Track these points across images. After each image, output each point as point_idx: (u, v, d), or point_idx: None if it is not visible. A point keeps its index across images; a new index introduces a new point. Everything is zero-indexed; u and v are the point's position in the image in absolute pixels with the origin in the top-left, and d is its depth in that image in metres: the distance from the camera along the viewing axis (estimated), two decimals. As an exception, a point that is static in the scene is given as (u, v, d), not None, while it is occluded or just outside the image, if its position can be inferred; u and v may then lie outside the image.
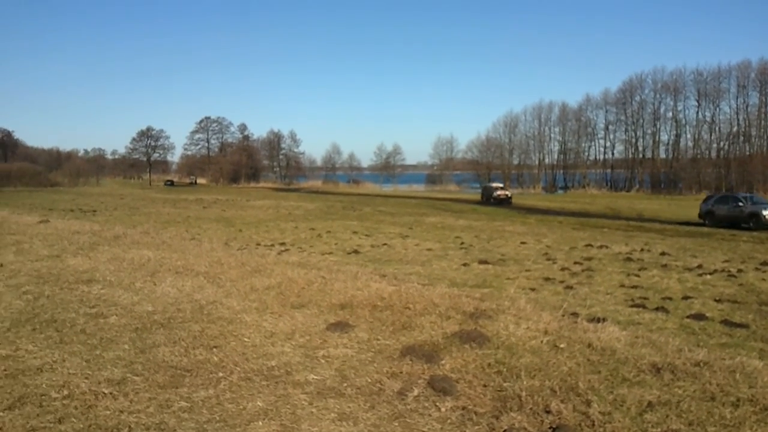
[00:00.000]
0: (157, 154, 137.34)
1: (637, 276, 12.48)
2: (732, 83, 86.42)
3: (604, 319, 6.47)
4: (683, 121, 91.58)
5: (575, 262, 14.58)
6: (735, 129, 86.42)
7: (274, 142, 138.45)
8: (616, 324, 6.00)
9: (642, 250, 17.49)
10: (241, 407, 3.65)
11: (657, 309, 9.03)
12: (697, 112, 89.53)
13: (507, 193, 60.25)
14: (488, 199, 59.11)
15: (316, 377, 4.15)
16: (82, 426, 3.37)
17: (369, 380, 4.10)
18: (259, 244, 19.39)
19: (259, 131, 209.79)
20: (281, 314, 5.75)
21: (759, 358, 5.05)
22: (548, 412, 3.55)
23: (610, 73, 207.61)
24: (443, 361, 4.38)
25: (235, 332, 5.19)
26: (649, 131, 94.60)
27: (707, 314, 8.70)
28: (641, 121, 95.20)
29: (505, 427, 3.39)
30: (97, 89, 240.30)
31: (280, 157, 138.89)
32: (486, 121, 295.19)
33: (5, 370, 4.27)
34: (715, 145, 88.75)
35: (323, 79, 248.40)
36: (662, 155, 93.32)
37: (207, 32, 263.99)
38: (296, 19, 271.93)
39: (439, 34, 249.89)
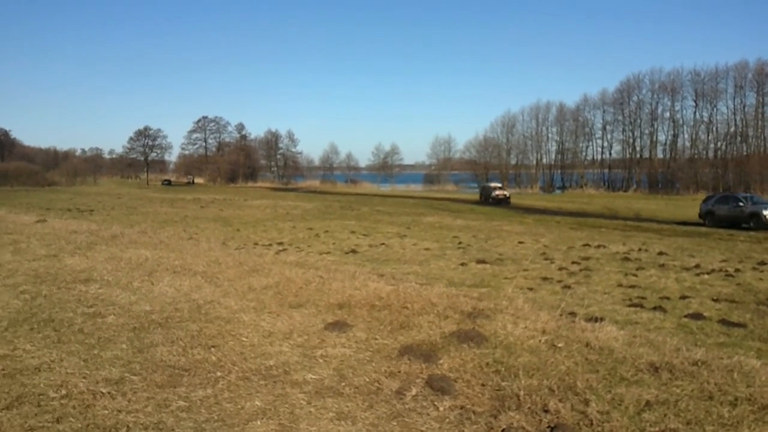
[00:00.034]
0: (155, 154, 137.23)
1: (635, 276, 12.50)
2: (729, 83, 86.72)
3: (601, 319, 6.47)
4: (680, 122, 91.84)
5: (573, 262, 14.59)
6: (732, 129, 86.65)
7: (271, 141, 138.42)
8: (613, 323, 6.01)
9: (639, 249, 17.51)
10: (240, 407, 3.65)
11: (655, 308, 9.04)
12: (695, 113, 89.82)
13: (506, 193, 60.16)
14: (487, 199, 59.01)
15: (314, 377, 4.15)
16: (80, 425, 3.37)
17: (367, 380, 4.09)
18: (256, 244, 19.38)
19: (256, 131, 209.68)
20: (279, 314, 5.75)
21: (757, 358, 5.05)
22: (546, 411, 3.55)
23: (608, 73, 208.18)
24: (441, 361, 4.38)
25: (233, 332, 5.19)
26: (647, 131, 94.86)
27: (705, 314, 8.71)
28: (639, 121, 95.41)
29: (504, 427, 3.39)
30: (95, 89, 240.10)
31: (278, 156, 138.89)
32: (484, 121, 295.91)
33: (3, 369, 4.26)
34: (712, 146, 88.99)
35: (321, 79, 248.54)
36: (660, 155, 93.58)
37: (204, 32, 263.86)
38: (294, 19, 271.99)
39: (436, 34, 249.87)
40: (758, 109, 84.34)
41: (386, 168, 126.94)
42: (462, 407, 3.66)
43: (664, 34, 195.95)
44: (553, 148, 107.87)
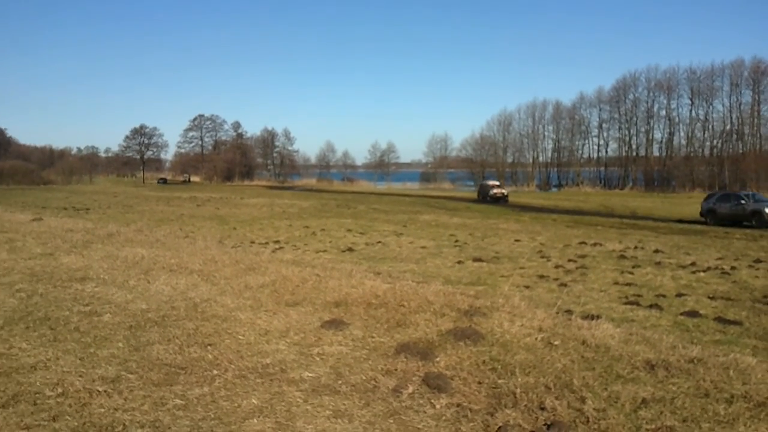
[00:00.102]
0: (151, 152, 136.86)
1: (631, 273, 12.52)
2: (725, 81, 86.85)
3: (598, 317, 6.48)
4: (677, 120, 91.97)
5: (569, 260, 14.62)
6: (728, 127, 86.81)
7: (268, 140, 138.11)
8: (610, 321, 6.01)
9: (636, 247, 17.55)
10: (236, 405, 3.65)
11: (651, 306, 9.06)
12: (691, 111, 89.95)
13: (503, 191, 59.61)
14: (484, 197, 58.58)
15: (310, 375, 4.15)
16: (76, 424, 3.36)
17: (364, 378, 4.10)
18: (253, 242, 19.37)
19: (253, 129, 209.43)
20: (276, 312, 5.75)
21: (752, 355, 5.07)
22: (543, 408, 3.56)
23: (604, 71, 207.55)
24: (438, 359, 4.38)
25: (230, 330, 5.18)
26: (643, 129, 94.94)
27: (701, 311, 8.74)
28: (635, 119, 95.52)
29: (500, 424, 3.40)
30: (91, 87, 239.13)
31: (274, 155, 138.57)
32: (480, 119, 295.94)
33: (-1, 368, 4.26)
34: (708, 143, 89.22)
35: (317, 78, 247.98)
36: (656, 153, 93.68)
37: (201, 30, 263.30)
38: (290, 18, 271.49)
39: (433, 32, 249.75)
40: (754, 107, 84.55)
41: (383, 166, 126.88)
42: (459, 405, 3.66)
43: (660, 32, 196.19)
44: (550, 146, 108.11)
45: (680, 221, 35.12)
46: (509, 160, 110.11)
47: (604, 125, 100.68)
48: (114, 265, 8.39)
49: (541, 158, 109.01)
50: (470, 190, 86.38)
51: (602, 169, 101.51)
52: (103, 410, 3.54)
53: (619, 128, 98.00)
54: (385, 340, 4.87)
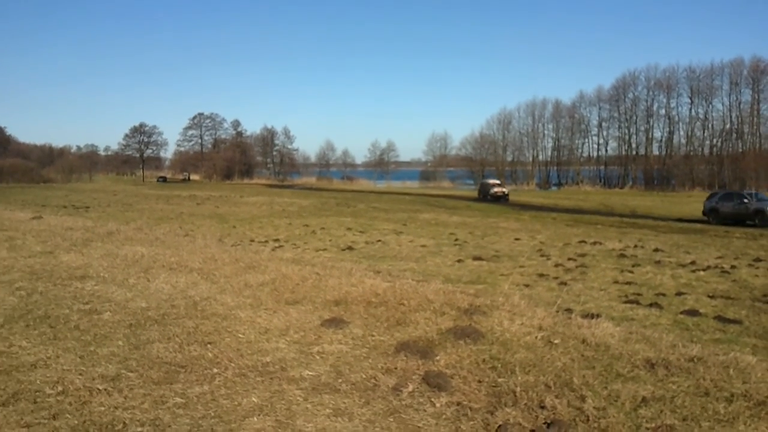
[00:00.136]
0: (150, 151, 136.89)
1: (631, 272, 12.53)
2: (725, 80, 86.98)
3: (598, 315, 6.48)
4: (676, 118, 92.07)
5: (569, 259, 14.62)
6: (728, 126, 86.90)
7: (267, 138, 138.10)
8: (610, 320, 6.01)
9: (635, 246, 17.55)
10: (236, 403, 3.65)
11: (651, 305, 9.06)
12: (690, 109, 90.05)
13: (504, 190, 59.21)
14: (485, 196, 58.30)
15: (310, 373, 4.15)
16: (76, 422, 3.36)
17: (364, 376, 4.09)
18: (252, 241, 19.37)
19: (252, 127, 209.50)
20: (275, 310, 5.74)
21: (752, 354, 5.08)
22: (543, 407, 3.56)
23: (604, 70, 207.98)
24: (438, 357, 4.38)
25: (230, 328, 5.18)
26: (643, 128, 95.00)
27: (701, 310, 8.74)
28: (634, 118, 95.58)
29: (500, 423, 3.40)
30: (90, 85, 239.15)
31: (274, 153, 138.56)
32: (480, 117, 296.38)
33: (-2, 366, 4.25)
34: (708, 142, 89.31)
35: (317, 76, 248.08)
36: (655, 152, 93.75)
37: (200, 29, 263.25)
38: (290, 16, 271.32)
39: (432, 31, 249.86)
40: (753, 106, 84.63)
41: (382, 165, 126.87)
42: (458, 403, 3.66)
43: (659, 31, 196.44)
44: (549, 144, 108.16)
45: (680, 220, 35.16)
46: (509, 158, 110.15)
47: (603, 124, 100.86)
48: (114, 263, 8.39)
49: (540, 157, 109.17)
50: (470, 188, 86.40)
51: (602, 167, 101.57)
52: (103, 408, 3.53)
53: (619, 127, 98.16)
54: (385, 338, 4.87)
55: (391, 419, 3.49)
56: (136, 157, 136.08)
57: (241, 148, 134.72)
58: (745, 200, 31.90)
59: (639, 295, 9.95)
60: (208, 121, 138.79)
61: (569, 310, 7.15)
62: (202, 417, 3.46)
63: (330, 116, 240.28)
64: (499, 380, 3.95)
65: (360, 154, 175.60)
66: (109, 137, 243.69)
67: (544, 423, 3.39)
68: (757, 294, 10.19)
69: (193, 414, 3.50)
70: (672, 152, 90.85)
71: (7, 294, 6.52)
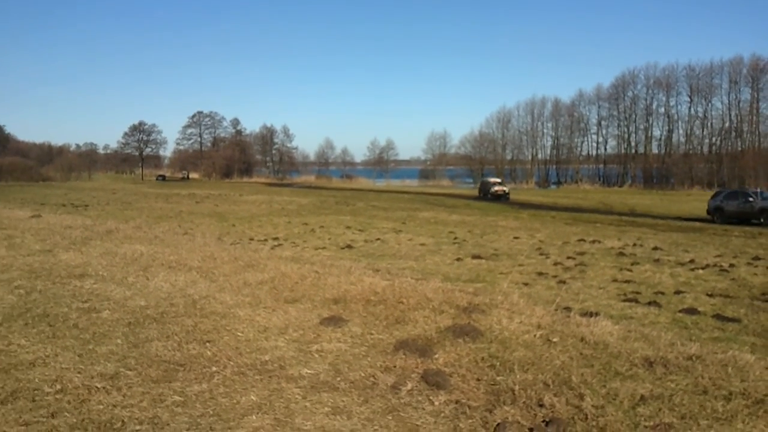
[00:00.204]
0: (150, 149, 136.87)
1: (630, 271, 12.53)
2: (724, 79, 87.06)
3: (596, 314, 6.49)
4: (675, 117, 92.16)
5: (568, 257, 14.62)
6: (727, 124, 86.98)
7: (266, 136, 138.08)
8: (608, 318, 6.02)
9: (634, 244, 17.56)
10: (235, 401, 3.65)
11: (649, 303, 9.06)
12: (690, 108, 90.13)
13: (505, 188, 58.79)
14: (486, 194, 58.13)
15: (309, 371, 4.15)
16: (75, 420, 3.36)
17: (362, 374, 4.10)
18: (252, 239, 19.37)
19: (251, 126, 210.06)
20: (274, 309, 5.74)
21: (751, 352, 5.08)
22: (541, 405, 3.56)
23: (603, 68, 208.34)
24: (437, 355, 4.38)
25: (229, 327, 5.18)
26: (642, 127, 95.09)
27: (699, 308, 8.74)
28: (634, 116, 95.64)
29: (499, 421, 3.40)
30: (90, 84, 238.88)
31: (273, 152, 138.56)
32: (479, 116, 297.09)
33: (-3, 364, 4.25)
34: (707, 141, 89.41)
35: (316, 75, 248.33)
36: (654, 150, 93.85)
37: (199, 27, 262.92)
38: (290, 15, 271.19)
39: (432, 29, 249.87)
40: (753, 105, 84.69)
41: (382, 163, 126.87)
42: (457, 402, 3.67)
43: (659, 29, 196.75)
44: (549, 143, 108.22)
45: (679, 218, 35.15)
46: (508, 157, 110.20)
47: (603, 122, 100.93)
48: (113, 261, 8.39)
49: (540, 155, 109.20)
50: (469, 187, 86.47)
51: (601, 166, 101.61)
52: (101, 407, 3.53)
53: (618, 125, 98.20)
54: (383, 337, 4.87)
55: (390, 417, 3.49)
56: (136, 156, 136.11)
57: (240, 146, 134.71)
58: (750, 199, 31.48)
59: (638, 293, 9.95)
60: (207, 119, 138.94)
61: (568, 309, 7.16)
62: (201, 415, 3.46)
63: (329, 115, 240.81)
64: (498, 378, 3.95)
65: (359, 153, 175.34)
66: (108, 136, 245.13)
67: (543, 421, 3.39)
68: (755, 292, 10.19)
69: (191, 412, 3.50)
70: (671, 151, 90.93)
71: (5, 292, 6.51)
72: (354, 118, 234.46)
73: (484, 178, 74.67)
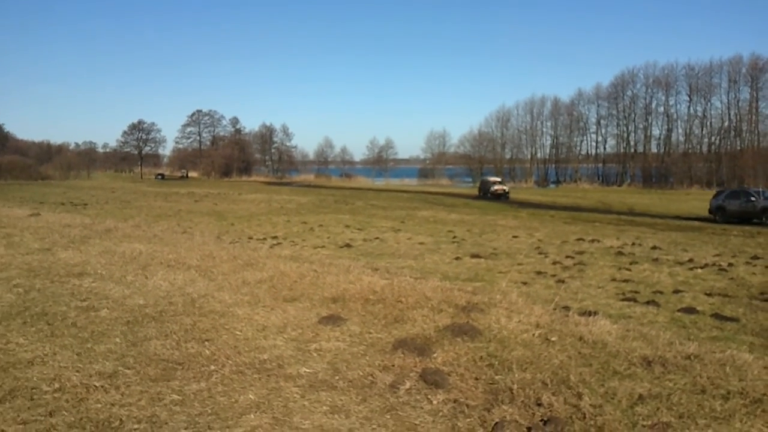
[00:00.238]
0: (149, 148, 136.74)
1: (629, 270, 12.54)
2: (723, 78, 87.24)
3: (595, 313, 6.49)
4: (675, 116, 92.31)
5: (567, 256, 14.62)
6: (726, 124, 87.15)
7: (266, 135, 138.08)
8: (607, 317, 6.02)
9: (633, 244, 17.56)
10: (233, 400, 3.65)
11: (648, 302, 9.07)
12: (689, 107, 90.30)
13: (505, 187, 58.56)
14: (485, 193, 58.03)
15: (308, 370, 4.15)
16: (73, 419, 3.36)
17: (361, 373, 4.10)
18: (251, 238, 19.35)
19: (251, 125, 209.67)
20: (273, 308, 5.74)
21: (749, 352, 5.09)
22: (539, 404, 3.56)
23: (602, 68, 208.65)
24: (435, 354, 4.38)
25: (227, 325, 5.18)
26: (641, 126, 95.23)
27: (698, 308, 8.75)
28: (633, 115, 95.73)
29: (497, 420, 3.40)
30: (89, 82, 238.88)
31: (272, 150, 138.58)
32: (478, 115, 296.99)
33: (-5, 363, 4.25)
34: (706, 140, 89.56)
35: (316, 74, 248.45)
36: (653, 150, 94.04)
37: (199, 26, 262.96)
38: (289, 14, 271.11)
39: (431, 28, 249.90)
40: (752, 104, 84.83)
41: (381, 162, 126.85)
42: (455, 401, 3.67)
43: (658, 28, 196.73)
44: (548, 142, 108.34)
45: (678, 218, 35.15)
46: (507, 156, 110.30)
47: (602, 122, 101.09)
48: (111, 260, 8.38)
49: (539, 154, 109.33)
50: (468, 186, 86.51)
51: (600, 165, 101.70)
52: (99, 405, 3.53)
53: (617, 125, 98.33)
54: (382, 335, 4.87)
55: (388, 416, 3.49)
56: (135, 154, 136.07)
57: (239, 145, 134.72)
58: (753, 198, 31.23)
59: (636, 292, 9.96)
60: (206, 118, 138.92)
61: (567, 308, 7.16)
62: (199, 414, 3.46)
63: (329, 114, 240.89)
64: (496, 377, 3.95)
65: (358, 152, 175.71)
66: (107, 134, 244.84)
67: (541, 420, 3.39)
68: (754, 292, 10.20)
69: (189, 411, 3.50)
70: (670, 150, 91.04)
71: (4, 291, 6.51)
72: (353, 117, 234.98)
73: (483, 177, 74.60)
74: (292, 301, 6.00)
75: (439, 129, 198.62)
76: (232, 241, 14.77)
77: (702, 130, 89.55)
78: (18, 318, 5.44)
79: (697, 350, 4.52)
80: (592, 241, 18.29)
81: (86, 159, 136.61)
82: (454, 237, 19.73)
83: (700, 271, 12.41)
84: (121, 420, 3.35)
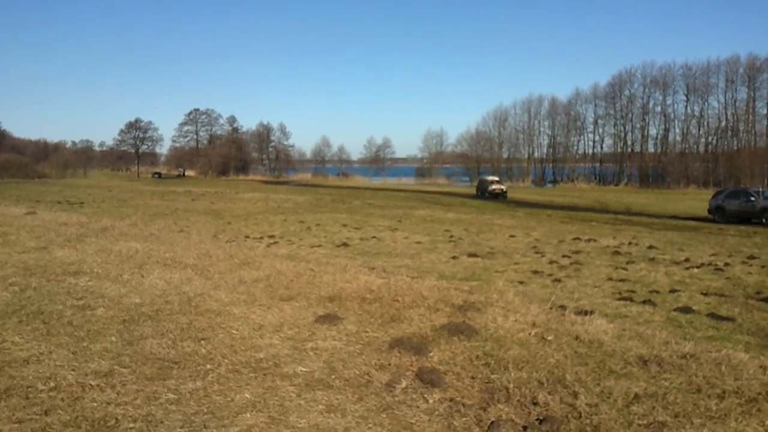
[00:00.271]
0: (146, 146, 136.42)
1: (625, 269, 12.55)
2: (720, 78, 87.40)
3: (591, 312, 6.49)
4: (672, 116, 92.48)
5: (563, 256, 14.64)
6: (723, 124, 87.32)
7: (263, 134, 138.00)
8: (603, 317, 6.03)
9: (630, 243, 17.59)
10: (229, 399, 3.64)
11: (644, 302, 9.08)
12: (686, 107, 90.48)
13: (502, 187, 58.41)
14: (483, 192, 57.98)
15: (304, 369, 4.15)
16: (68, 418, 3.35)
17: (357, 372, 4.10)
18: (247, 237, 19.34)
19: (248, 123, 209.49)
20: (270, 307, 5.74)
21: (745, 351, 5.10)
22: (535, 403, 3.57)
23: (600, 67, 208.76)
24: (431, 353, 4.39)
25: (224, 324, 5.18)
26: (638, 125, 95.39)
27: (694, 307, 8.77)
28: (630, 115, 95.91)
29: (493, 419, 3.40)
30: (86, 81, 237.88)
31: (270, 149, 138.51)
32: (476, 114, 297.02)
33: (-9, 362, 4.24)
34: (703, 140, 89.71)
35: (313, 72, 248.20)
36: (651, 149, 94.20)
37: (196, 24, 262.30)
38: (287, 12, 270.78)
39: (429, 28, 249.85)
40: (749, 104, 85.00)
41: (378, 161, 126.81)
42: (451, 400, 3.67)
43: (655, 28, 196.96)
44: (545, 141, 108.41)
45: (674, 217, 35.18)
46: (504, 155, 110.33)
47: (599, 121, 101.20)
48: (108, 259, 8.37)
49: (536, 154, 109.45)
50: (465, 185, 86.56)
51: (597, 165, 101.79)
52: (95, 404, 3.53)
53: (615, 124, 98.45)
54: (378, 334, 4.87)
55: (384, 415, 3.49)
56: (131, 153, 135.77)
57: (236, 144, 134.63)
58: (752, 198, 30.99)
59: (633, 292, 9.97)
60: (203, 116, 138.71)
61: (563, 307, 7.16)
62: (195, 413, 3.46)
63: (326, 112, 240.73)
64: (492, 376, 3.95)
65: (356, 151, 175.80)
66: (104, 133, 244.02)
67: (537, 419, 3.40)
68: (750, 291, 10.22)
69: (185, 410, 3.49)
70: (667, 150, 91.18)
71: (0, 289, 6.49)
72: (351, 116, 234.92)
73: (481, 176, 74.59)
74: (289, 300, 5.99)
75: (437, 128, 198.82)
76: (228, 240, 14.77)
77: (699, 129, 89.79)
78: (14, 316, 5.43)
79: (693, 350, 4.53)
80: (589, 240, 18.32)
81: (83, 157, 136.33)
82: (451, 236, 19.74)
83: (696, 270, 12.43)
84: (116, 419, 3.35)
